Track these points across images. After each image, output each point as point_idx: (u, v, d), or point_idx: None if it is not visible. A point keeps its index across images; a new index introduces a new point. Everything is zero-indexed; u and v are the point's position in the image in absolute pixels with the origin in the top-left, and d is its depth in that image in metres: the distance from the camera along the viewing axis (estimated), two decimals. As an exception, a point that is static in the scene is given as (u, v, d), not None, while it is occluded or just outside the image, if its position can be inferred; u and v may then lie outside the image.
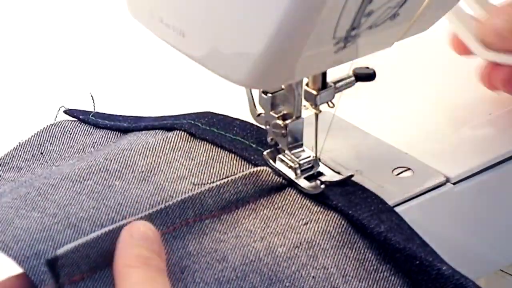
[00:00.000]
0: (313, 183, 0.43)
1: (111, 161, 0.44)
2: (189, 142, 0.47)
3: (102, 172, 0.43)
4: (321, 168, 0.45)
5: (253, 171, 0.43)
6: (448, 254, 0.40)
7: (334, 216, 0.41)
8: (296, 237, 0.40)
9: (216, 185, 0.42)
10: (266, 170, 0.44)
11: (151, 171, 0.44)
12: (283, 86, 0.43)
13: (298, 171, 0.43)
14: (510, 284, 0.69)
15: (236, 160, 0.45)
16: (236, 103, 0.48)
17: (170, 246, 0.39)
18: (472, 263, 0.49)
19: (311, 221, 0.41)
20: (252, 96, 0.45)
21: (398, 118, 0.52)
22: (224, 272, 0.37)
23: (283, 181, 0.44)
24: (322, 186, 0.42)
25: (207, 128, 0.47)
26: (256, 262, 0.38)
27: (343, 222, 0.41)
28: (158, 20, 0.34)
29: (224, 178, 0.43)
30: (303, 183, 0.43)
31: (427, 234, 0.40)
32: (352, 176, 0.44)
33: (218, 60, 0.33)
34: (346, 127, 0.50)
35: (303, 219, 0.41)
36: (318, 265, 0.38)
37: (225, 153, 0.46)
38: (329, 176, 0.44)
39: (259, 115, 0.45)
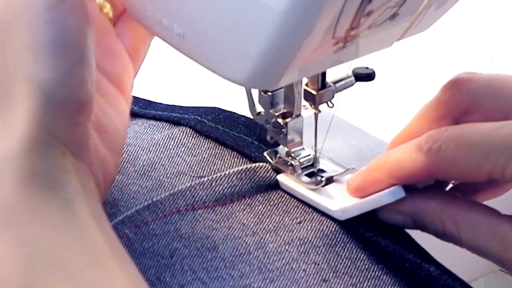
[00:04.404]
0: (313, 179, 0.43)
1: None
2: (194, 139, 0.47)
3: None
4: (322, 165, 0.45)
5: (250, 167, 0.43)
6: (448, 254, 0.40)
7: (328, 216, 0.42)
8: (288, 235, 0.40)
9: (208, 179, 0.42)
10: (264, 166, 0.44)
11: (153, 165, 0.44)
12: (282, 85, 0.43)
13: (299, 169, 0.44)
14: (510, 284, 0.69)
15: (237, 158, 0.45)
16: (239, 98, 0.48)
17: (161, 229, 0.39)
18: (472, 263, 0.49)
19: (305, 220, 0.41)
20: (251, 95, 0.45)
21: (398, 118, 0.52)
22: (213, 261, 0.37)
23: None
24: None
25: (213, 125, 0.48)
26: (245, 255, 0.38)
27: (336, 223, 0.41)
28: (158, 21, 0.34)
29: (218, 173, 0.43)
30: (304, 179, 0.43)
31: (426, 234, 0.40)
32: (353, 169, 0.43)
33: (218, 60, 0.33)
34: (346, 127, 0.50)
35: (297, 217, 0.41)
36: (309, 261, 0.39)
37: (227, 150, 0.46)
38: (330, 171, 0.44)
39: (258, 113, 0.45)
